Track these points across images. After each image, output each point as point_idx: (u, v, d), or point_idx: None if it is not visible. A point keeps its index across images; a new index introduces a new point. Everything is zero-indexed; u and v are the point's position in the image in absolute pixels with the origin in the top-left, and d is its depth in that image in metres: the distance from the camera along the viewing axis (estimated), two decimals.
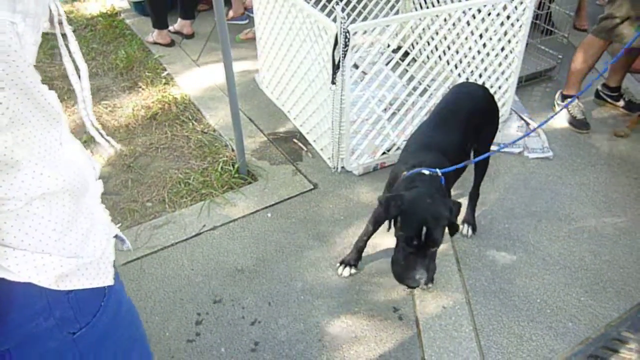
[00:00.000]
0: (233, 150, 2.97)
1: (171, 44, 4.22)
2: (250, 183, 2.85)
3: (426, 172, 1.84)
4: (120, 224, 2.57)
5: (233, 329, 2.10)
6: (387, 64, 2.77)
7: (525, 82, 3.65)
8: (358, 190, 2.80)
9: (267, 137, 3.21)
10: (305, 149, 3.10)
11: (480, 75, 3.08)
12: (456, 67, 3.03)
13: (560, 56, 3.79)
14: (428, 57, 3.01)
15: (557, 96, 3.50)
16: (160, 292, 2.24)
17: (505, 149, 3.10)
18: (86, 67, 0.95)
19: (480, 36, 2.92)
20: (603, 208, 2.71)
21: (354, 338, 2.07)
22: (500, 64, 3.08)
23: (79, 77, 0.94)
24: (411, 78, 2.82)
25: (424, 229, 1.67)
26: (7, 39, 0.70)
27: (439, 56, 2.96)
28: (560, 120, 3.38)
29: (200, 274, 2.31)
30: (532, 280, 2.30)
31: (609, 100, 3.52)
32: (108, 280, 0.94)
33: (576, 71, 3.30)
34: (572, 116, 3.31)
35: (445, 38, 2.89)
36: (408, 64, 2.80)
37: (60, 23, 0.92)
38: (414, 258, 1.70)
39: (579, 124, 3.29)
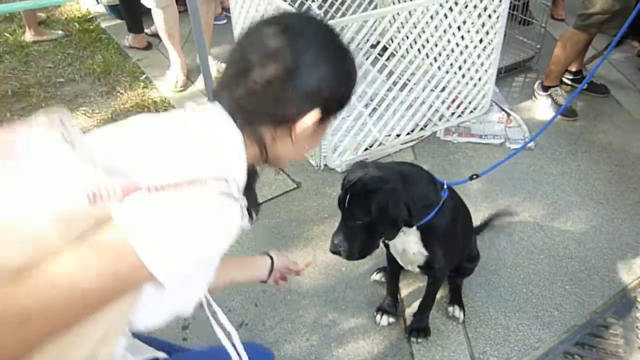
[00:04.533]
0: None
1: (148, 47, 4.17)
2: None
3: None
4: None
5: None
6: (366, 59, 2.75)
7: (505, 73, 3.66)
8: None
9: None
10: None
11: (460, 68, 3.08)
12: (435, 60, 3.03)
13: (538, 46, 3.80)
14: (407, 51, 3.01)
15: (536, 86, 3.51)
16: None
17: (487, 140, 3.11)
18: (235, 331, 1.07)
19: (458, 28, 2.93)
20: (585, 196, 2.73)
21: (341, 336, 2.06)
22: (479, 56, 3.09)
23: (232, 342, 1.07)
24: (390, 73, 2.81)
25: (348, 196, 1.59)
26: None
27: (418, 49, 2.95)
28: (541, 110, 3.40)
29: None
30: (517, 271, 2.31)
31: (573, 84, 3.55)
32: None
33: (559, 64, 3.31)
34: (558, 105, 3.32)
35: (424, 31, 2.89)
36: (387, 59, 2.80)
37: (209, 304, 1.05)
38: (341, 226, 1.66)
39: (567, 112, 3.30)
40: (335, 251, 1.66)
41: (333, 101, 0.98)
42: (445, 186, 1.73)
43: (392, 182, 1.59)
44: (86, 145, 0.81)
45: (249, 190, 1.00)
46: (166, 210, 0.75)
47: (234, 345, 1.08)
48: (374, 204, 1.55)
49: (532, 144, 3.07)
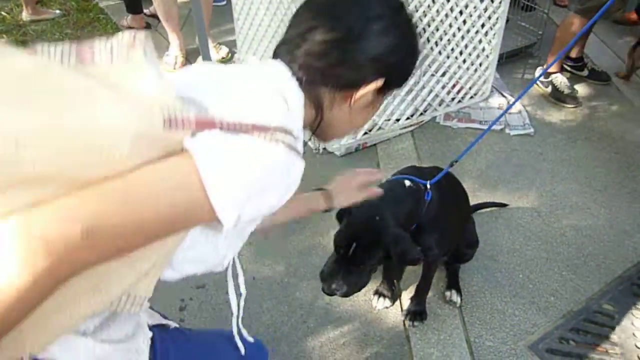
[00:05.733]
0: None
1: (147, 27, 4.13)
2: None
3: (408, 182, 1.72)
4: None
5: (217, 313, 2.08)
6: None
7: (506, 59, 3.63)
8: (340, 171, 2.75)
9: None
10: None
11: (461, 53, 3.06)
12: (436, 45, 3.01)
13: (540, 32, 3.77)
14: None
15: (537, 72, 3.49)
16: None
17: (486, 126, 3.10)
18: (245, 293, 1.17)
19: (460, 13, 2.90)
20: (584, 183, 2.73)
21: (338, 319, 2.06)
22: (480, 41, 3.07)
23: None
24: None
25: (354, 244, 1.58)
26: None
27: (419, 33, 2.93)
28: (541, 96, 3.39)
29: None
30: (514, 257, 2.32)
31: (573, 71, 3.53)
32: None
33: (560, 50, 3.28)
34: (560, 92, 3.30)
35: (425, 15, 2.86)
36: None
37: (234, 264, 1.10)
38: (339, 267, 1.61)
39: (569, 99, 3.28)
40: (331, 294, 1.62)
41: (396, 72, 0.98)
42: (428, 186, 1.71)
43: (394, 220, 1.61)
44: (163, 72, 0.76)
45: None
46: (239, 154, 0.73)
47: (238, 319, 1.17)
48: (394, 254, 1.58)
49: (532, 130, 3.06)
